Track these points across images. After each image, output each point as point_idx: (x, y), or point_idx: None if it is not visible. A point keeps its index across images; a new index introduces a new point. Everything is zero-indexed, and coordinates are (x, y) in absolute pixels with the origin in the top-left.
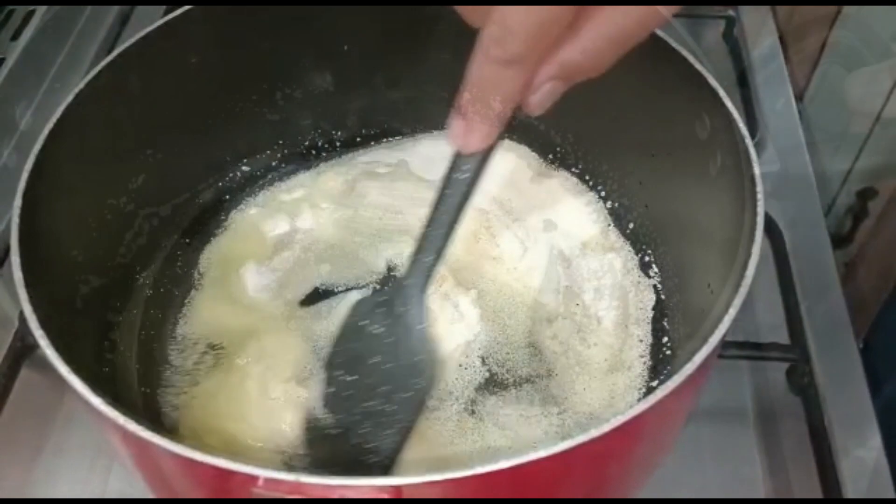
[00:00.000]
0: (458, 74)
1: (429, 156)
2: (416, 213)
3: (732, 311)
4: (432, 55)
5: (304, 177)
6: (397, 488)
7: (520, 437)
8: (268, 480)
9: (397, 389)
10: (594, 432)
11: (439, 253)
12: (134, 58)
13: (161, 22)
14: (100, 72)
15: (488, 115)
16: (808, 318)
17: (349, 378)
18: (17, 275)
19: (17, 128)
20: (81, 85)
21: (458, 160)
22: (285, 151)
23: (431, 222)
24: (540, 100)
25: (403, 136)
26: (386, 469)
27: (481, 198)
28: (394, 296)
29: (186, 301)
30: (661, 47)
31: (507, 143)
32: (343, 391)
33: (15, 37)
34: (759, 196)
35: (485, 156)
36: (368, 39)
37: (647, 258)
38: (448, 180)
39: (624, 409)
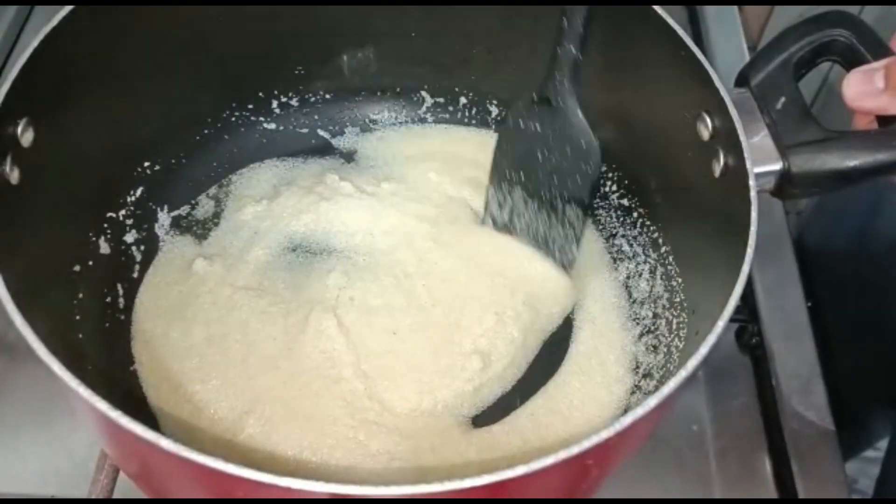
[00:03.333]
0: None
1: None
2: None
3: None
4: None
5: None
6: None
7: None
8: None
9: (568, 175)
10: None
11: (581, 41)
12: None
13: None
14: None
15: None
16: (758, 278)
17: (519, 178)
18: None
19: None
20: None
21: None
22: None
23: (571, 12)
24: None
25: None
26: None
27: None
28: (547, 93)
29: None
30: (669, 42)
31: None
32: (515, 194)
33: None
34: (753, 227)
35: None
36: None
37: (648, 261)
38: None
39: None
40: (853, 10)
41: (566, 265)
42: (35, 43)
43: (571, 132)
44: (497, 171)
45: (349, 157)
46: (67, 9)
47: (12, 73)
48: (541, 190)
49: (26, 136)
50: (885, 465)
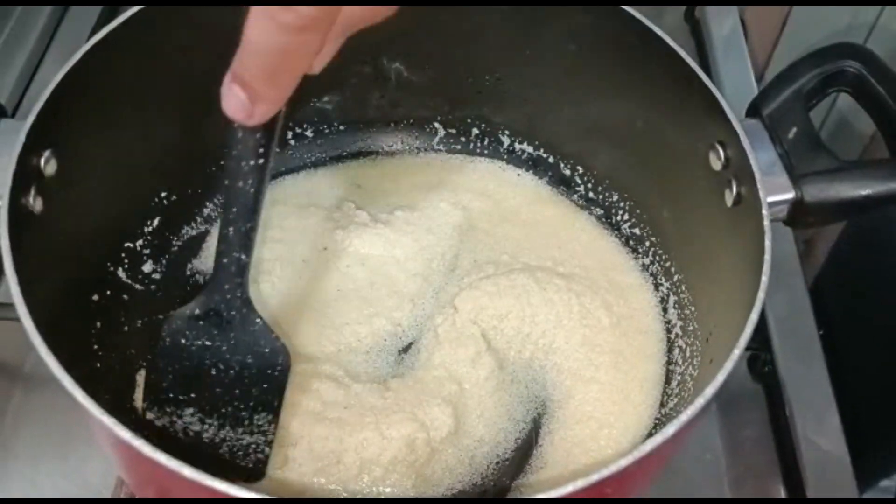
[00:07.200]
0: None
1: None
2: None
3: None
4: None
5: None
6: None
7: None
8: None
9: (253, 384)
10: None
11: (248, 248)
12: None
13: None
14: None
15: (277, 83)
16: (769, 306)
17: (189, 399)
18: None
19: None
20: None
21: (242, 143)
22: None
23: (232, 218)
24: (321, 60)
25: None
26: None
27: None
28: (214, 305)
29: None
30: (681, 73)
31: (512, 172)
32: (185, 416)
33: None
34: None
35: (271, 132)
36: None
37: (660, 290)
38: (237, 170)
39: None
40: (868, 12)
41: (261, 466)
42: (59, 76)
43: (251, 339)
44: (155, 394)
45: (362, 185)
46: (90, 43)
47: (38, 105)
48: (220, 406)
49: (49, 167)
50: None
